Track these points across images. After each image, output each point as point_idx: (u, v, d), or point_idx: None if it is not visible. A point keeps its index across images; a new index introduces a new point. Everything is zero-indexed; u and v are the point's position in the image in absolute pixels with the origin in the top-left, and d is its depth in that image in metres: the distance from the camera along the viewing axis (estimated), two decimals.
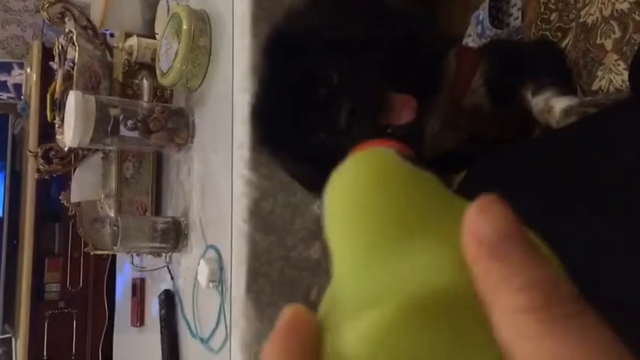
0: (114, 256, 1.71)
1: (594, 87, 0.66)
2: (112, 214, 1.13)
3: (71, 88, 1.04)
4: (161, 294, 1.07)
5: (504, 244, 0.17)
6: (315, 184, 0.69)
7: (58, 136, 1.13)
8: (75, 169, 1.21)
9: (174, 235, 1.00)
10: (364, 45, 0.61)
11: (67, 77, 1.09)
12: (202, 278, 0.85)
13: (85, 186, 1.21)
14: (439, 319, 0.17)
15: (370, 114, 0.59)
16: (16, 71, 2.28)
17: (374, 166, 0.22)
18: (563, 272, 0.19)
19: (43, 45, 2.14)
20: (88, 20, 1.17)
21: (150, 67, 1.10)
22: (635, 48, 0.61)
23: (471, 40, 0.93)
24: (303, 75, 0.61)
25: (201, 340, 0.89)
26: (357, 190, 0.21)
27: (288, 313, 0.20)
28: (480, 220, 0.18)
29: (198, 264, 0.87)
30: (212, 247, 0.88)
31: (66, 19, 1.12)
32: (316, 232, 0.82)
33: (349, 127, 0.58)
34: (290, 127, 0.63)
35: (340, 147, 0.63)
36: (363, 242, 0.20)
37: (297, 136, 0.63)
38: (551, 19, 0.74)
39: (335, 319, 0.19)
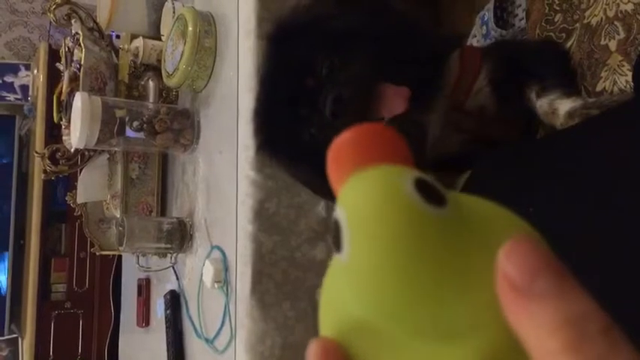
0: (120, 257, 1.72)
1: (598, 88, 0.66)
2: (117, 214, 1.14)
3: (77, 90, 1.05)
4: (166, 294, 1.07)
5: (533, 284, 0.17)
6: (318, 184, 0.69)
7: (64, 137, 1.14)
8: (81, 170, 1.22)
9: (180, 236, 1.00)
10: (358, 37, 0.59)
11: (74, 78, 1.09)
12: (207, 279, 0.85)
13: (91, 187, 1.22)
14: None
15: (357, 102, 0.56)
16: (22, 73, 2.29)
17: (393, 217, 0.19)
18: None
19: (50, 46, 2.15)
20: (95, 22, 1.17)
21: (155, 69, 1.11)
22: None
23: (476, 41, 0.93)
24: (295, 68, 0.59)
25: (207, 340, 0.90)
26: (379, 243, 0.18)
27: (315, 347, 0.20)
28: (507, 263, 0.17)
29: (204, 264, 0.88)
30: (217, 247, 0.89)
31: (72, 21, 1.12)
32: (320, 232, 0.82)
33: (335, 117, 0.55)
34: (284, 125, 0.61)
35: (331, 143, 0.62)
36: (401, 294, 0.18)
37: (291, 134, 0.61)
38: (556, 19, 0.74)
39: None
